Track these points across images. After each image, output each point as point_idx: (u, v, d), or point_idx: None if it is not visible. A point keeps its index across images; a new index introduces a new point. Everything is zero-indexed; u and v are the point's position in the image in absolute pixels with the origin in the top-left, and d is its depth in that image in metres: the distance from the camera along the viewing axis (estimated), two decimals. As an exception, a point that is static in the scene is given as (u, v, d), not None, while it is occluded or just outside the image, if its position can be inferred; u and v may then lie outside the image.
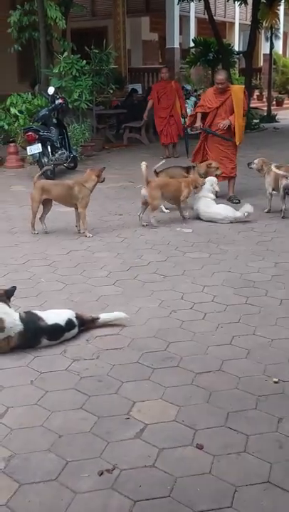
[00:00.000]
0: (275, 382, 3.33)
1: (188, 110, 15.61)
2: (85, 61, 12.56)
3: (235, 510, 2.36)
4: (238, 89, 8.28)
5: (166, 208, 7.57)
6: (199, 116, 8.23)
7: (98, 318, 4.09)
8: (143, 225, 6.85)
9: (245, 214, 6.90)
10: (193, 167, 7.73)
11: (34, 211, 6.57)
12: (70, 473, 2.60)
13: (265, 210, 7.44)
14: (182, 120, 12.34)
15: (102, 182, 6.73)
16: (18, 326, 3.70)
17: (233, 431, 2.88)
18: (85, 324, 4.01)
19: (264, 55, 26.88)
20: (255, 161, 7.60)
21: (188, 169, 7.74)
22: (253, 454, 2.71)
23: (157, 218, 6.98)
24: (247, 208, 6.93)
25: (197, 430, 2.89)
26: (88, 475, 2.58)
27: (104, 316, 4.12)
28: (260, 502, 2.41)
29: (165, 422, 2.97)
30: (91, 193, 6.55)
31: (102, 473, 2.58)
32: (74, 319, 3.92)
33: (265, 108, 21.74)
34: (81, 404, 3.14)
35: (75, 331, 3.92)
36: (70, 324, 3.88)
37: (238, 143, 8.15)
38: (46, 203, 6.66)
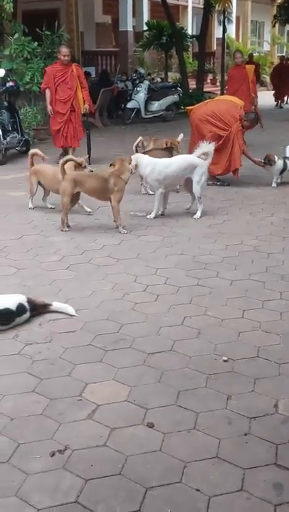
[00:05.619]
0: (225, 361, 3.40)
1: (140, 94, 15.58)
2: (36, 43, 12.38)
3: (185, 485, 2.42)
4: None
5: None
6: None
7: (50, 305, 4.07)
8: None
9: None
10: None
11: (66, 206, 6.02)
12: (22, 455, 2.60)
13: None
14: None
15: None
16: None
17: (183, 409, 2.94)
18: (37, 309, 3.99)
19: (217, 39, 27.01)
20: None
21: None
22: (203, 430, 2.77)
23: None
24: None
25: (148, 409, 2.93)
26: (40, 456, 2.59)
27: (56, 304, 4.09)
28: (209, 476, 2.47)
29: (117, 403, 3.00)
30: (126, 184, 6.14)
31: (53, 454, 2.60)
32: (25, 304, 3.89)
33: (219, 92, 21.87)
34: (33, 387, 3.14)
35: (27, 315, 3.90)
36: (21, 309, 3.85)
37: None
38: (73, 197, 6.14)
